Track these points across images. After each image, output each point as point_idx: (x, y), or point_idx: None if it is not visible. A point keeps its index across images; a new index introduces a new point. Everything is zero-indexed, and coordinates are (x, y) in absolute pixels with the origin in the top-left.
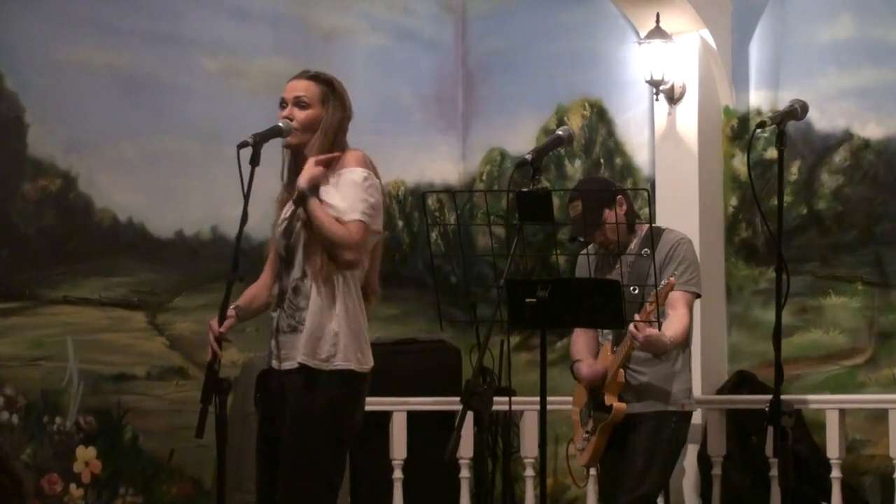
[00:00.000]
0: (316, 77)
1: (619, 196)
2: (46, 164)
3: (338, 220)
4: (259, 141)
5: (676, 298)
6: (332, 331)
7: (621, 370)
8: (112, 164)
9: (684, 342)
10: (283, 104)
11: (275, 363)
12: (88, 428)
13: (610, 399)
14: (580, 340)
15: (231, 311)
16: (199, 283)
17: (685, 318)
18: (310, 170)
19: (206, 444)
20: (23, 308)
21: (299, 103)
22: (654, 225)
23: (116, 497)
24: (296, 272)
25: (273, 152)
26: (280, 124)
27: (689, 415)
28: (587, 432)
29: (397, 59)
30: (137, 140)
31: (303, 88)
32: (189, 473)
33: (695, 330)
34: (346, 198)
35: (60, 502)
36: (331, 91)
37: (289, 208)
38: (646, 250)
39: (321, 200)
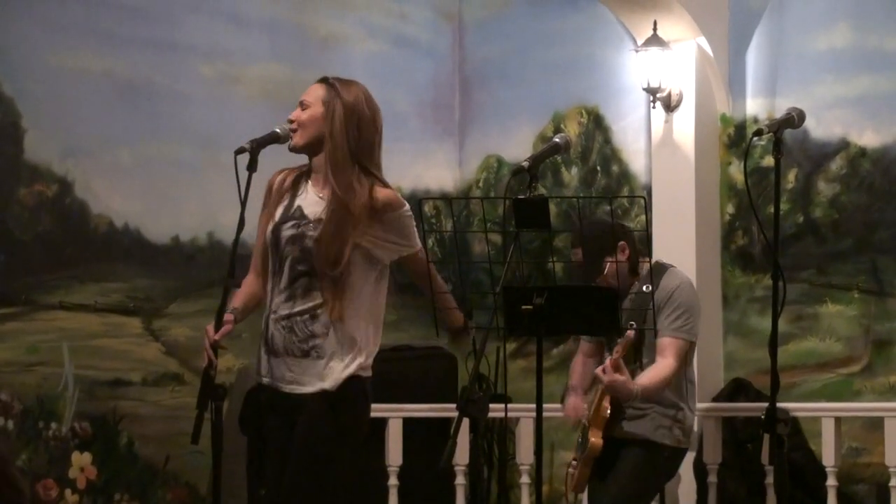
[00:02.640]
0: (324, 79)
1: (622, 242)
2: (42, 170)
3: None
4: (256, 147)
5: (666, 345)
6: (357, 351)
7: (605, 404)
8: (108, 170)
9: (660, 390)
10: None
11: (281, 385)
12: (84, 434)
13: (593, 434)
14: (577, 369)
15: (229, 316)
16: (194, 289)
17: (668, 368)
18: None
19: (201, 450)
20: (19, 314)
21: (302, 105)
22: (658, 261)
23: (112, 503)
24: (312, 297)
25: (271, 159)
26: (277, 130)
27: (683, 451)
28: (574, 460)
29: (394, 65)
30: (134, 146)
31: (310, 91)
32: (184, 479)
33: None
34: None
35: None
36: (335, 91)
37: (290, 206)
38: (647, 286)
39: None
